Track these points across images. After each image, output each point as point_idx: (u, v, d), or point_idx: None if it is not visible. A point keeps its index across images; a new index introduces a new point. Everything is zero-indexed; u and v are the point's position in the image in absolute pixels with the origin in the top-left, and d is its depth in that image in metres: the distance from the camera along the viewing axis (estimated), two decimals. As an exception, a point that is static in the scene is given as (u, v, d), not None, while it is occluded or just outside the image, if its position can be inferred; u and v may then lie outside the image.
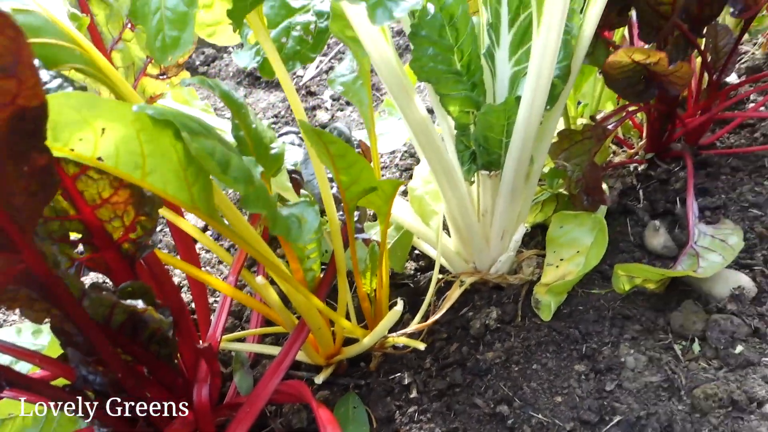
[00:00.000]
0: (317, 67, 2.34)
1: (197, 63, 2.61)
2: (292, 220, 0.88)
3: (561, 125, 1.58)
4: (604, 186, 1.45)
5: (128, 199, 0.83)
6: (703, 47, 1.46)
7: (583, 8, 1.13)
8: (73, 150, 0.64)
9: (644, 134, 1.61)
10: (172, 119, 0.73)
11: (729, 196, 1.44)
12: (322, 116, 2.14)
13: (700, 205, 1.43)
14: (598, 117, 1.56)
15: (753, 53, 1.99)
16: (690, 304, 1.21)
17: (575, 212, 1.32)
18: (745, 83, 1.76)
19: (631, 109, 1.50)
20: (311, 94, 2.25)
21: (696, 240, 1.28)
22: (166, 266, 1.03)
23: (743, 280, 1.24)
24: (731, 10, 1.36)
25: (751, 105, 1.78)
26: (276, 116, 2.20)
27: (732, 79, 1.88)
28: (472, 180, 1.21)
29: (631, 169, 1.61)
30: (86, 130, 0.63)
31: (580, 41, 1.12)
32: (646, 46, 1.38)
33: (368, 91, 1.08)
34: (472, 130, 1.15)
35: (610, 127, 1.35)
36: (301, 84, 2.31)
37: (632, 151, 1.64)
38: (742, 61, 1.98)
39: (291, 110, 2.25)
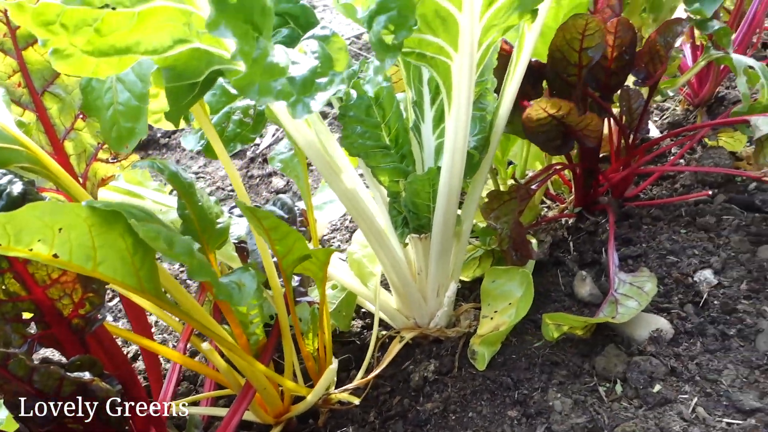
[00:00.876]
0: (273, 135, 2.46)
1: (158, 135, 2.72)
2: (232, 286, 0.97)
3: (494, 185, 1.71)
4: (534, 240, 1.57)
5: (76, 278, 0.91)
6: (619, 110, 1.61)
7: (498, 88, 1.26)
8: (31, 250, 0.73)
9: (573, 190, 1.74)
10: (119, 210, 0.83)
11: (649, 244, 1.56)
12: (278, 182, 2.24)
13: (623, 255, 1.55)
14: (528, 176, 1.69)
15: (674, 109, 2.16)
16: (612, 348, 1.31)
17: (506, 267, 1.43)
18: (667, 137, 1.92)
19: (557, 167, 1.63)
20: (267, 161, 2.36)
21: (616, 288, 1.39)
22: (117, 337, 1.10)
23: (661, 323, 1.35)
24: (635, 79, 1.51)
25: (672, 157, 1.93)
26: (221, 189, 2.31)
27: (655, 133, 2.04)
28: (406, 242, 1.31)
29: (563, 222, 1.73)
30: (46, 233, 0.73)
31: (497, 116, 1.25)
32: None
33: (304, 167, 1.19)
34: (403, 197, 1.26)
35: (534, 187, 1.47)
36: (258, 152, 2.43)
37: (563, 205, 1.77)
38: (665, 117, 2.15)
39: (250, 179, 2.36)
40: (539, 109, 1.27)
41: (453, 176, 1.13)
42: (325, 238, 1.88)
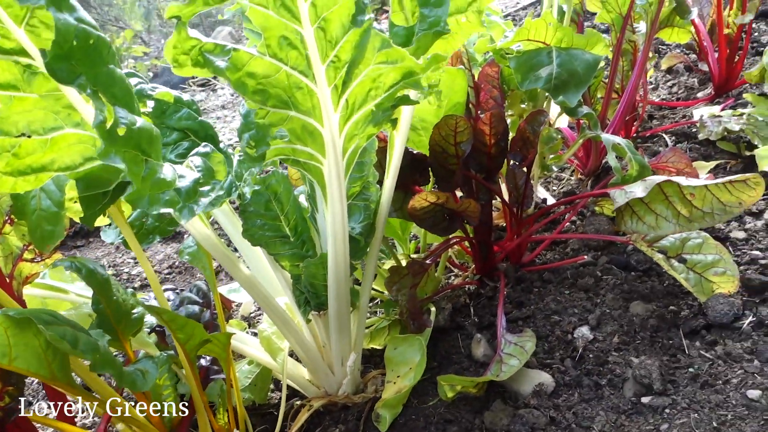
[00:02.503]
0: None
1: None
2: (137, 374, 1.11)
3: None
4: (433, 309, 1.73)
5: (-6, 374, 1.04)
6: (506, 187, 1.81)
7: (380, 180, 1.46)
8: None
9: (473, 259, 1.93)
10: (29, 316, 0.97)
11: (538, 306, 1.74)
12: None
13: (514, 317, 1.72)
14: (429, 249, 1.87)
15: (569, 179, 2.40)
16: (500, 403, 1.46)
17: (405, 335, 1.58)
18: (561, 204, 2.14)
19: (453, 241, 1.82)
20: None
21: (503, 348, 1.55)
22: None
23: (544, 377, 1.51)
24: (512, 162, 1.73)
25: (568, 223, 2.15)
26: (170, 267, 2.44)
27: (551, 201, 2.26)
28: (309, 319, 1.46)
29: (466, 289, 1.90)
30: None
31: (380, 205, 1.44)
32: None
33: (209, 259, 1.35)
34: (302, 279, 1.42)
35: (428, 261, 1.65)
36: (194, 234, 2.57)
37: (466, 273, 1.95)
38: (561, 186, 2.38)
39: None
40: (421, 200, 1.46)
41: (338, 261, 1.29)
42: (252, 315, 2.01)
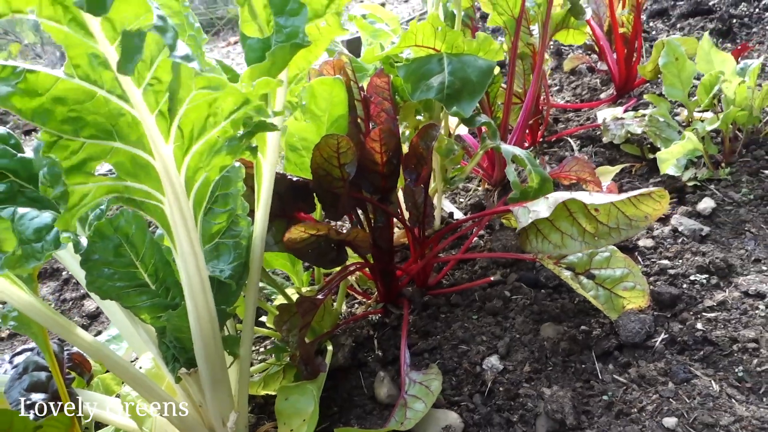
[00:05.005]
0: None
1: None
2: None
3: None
4: (330, 348, 1.56)
5: None
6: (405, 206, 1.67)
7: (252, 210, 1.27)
8: None
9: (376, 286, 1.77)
10: None
11: (444, 335, 1.60)
12: (90, 306, 2.13)
13: (419, 349, 1.57)
14: (327, 279, 1.70)
15: (476, 189, 2.29)
16: (404, 452, 1.31)
17: (297, 383, 1.40)
18: (466, 220, 2.02)
19: (351, 269, 1.65)
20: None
21: (407, 389, 1.40)
22: None
23: (451, 418, 1.37)
24: (407, 179, 1.58)
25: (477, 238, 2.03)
26: (60, 301, 2.16)
27: (459, 215, 2.14)
28: (179, 377, 1.26)
29: (370, 319, 1.74)
30: None
31: (254, 239, 1.25)
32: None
33: (40, 329, 1.12)
34: (167, 333, 1.22)
35: (320, 297, 1.47)
36: (71, 272, 2.30)
37: (369, 301, 1.79)
38: (469, 198, 2.26)
39: (63, 303, 2.22)
40: (299, 231, 1.29)
41: (199, 312, 1.10)
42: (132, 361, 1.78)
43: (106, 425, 1.39)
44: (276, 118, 1.00)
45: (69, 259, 1.35)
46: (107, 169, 1.94)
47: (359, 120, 1.62)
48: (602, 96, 2.81)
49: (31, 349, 1.43)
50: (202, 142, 0.93)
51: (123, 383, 1.61)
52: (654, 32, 3.35)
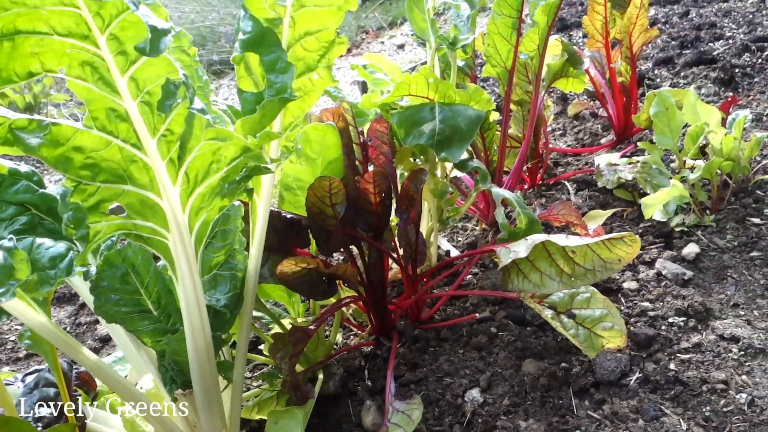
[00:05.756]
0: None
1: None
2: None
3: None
4: (320, 376, 1.65)
5: None
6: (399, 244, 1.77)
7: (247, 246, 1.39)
8: None
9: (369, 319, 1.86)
10: None
11: (431, 367, 1.69)
12: (102, 330, 2.25)
13: (406, 380, 1.66)
14: (322, 311, 1.80)
15: (473, 229, 2.39)
16: (384, 478, 1.39)
17: (287, 408, 1.49)
18: (458, 258, 2.11)
19: (345, 301, 1.75)
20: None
21: (390, 417, 1.48)
22: None
23: (431, 447, 1.45)
24: (399, 219, 1.69)
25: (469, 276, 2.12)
26: (76, 324, 2.29)
27: (455, 253, 2.23)
28: (176, 398, 1.36)
29: (363, 350, 1.84)
30: None
31: (248, 272, 1.37)
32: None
33: (50, 347, 1.23)
34: (166, 356, 1.33)
35: (312, 327, 1.57)
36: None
37: (363, 333, 1.88)
38: (467, 237, 2.36)
39: (77, 326, 2.35)
40: (291, 264, 1.40)
41: (196, 337, 1.21)
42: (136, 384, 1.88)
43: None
44: (269, 163, 1.11)
45: (82, 286, 1.47)
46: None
47: (357, 162, 1.74)
48: (602, 141, 2.90)
49: (42, 370, 1.55)
50: (205, 186, 1.05)
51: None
52: (659, 80, 3.45)
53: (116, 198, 1.04)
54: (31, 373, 1.52)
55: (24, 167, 1.20)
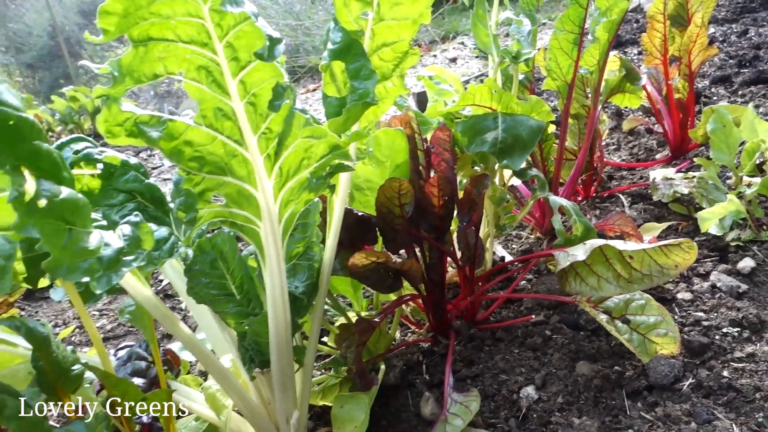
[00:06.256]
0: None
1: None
2: (67, 434, 1.12)
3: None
4: (382, 367, 1.75)
5: None
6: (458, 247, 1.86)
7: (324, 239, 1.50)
8: None
9: (427, 317, 1.96)
10: None
11: (487, 364, 1.76)
12: (174, 317, 2.40)
13: (463, 375, 1.74)
14: (384, 307, 1.90)
15: (528, 237, 2.46)
16: (442, 463, 1.47)
17: (352, 393, 1.60)
18: (514, 262, 2.19)
19: (406, 298, 1.85)
20: (168, 296, 2.53)
21: (449, 407, 1.57)
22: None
23: (487, 437, 1.53)
24: (460, 222, 1.78)
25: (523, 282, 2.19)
26: (122, 325, 2.45)
27: (509, 259, 2.31)
28: (254, 376, 1.48)
29: (420, 346, 1.93)
30: None
31: (323, 264, 1.48)
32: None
33: (149, 319, 1.37)
34: (247, 337, 1.45)
35: (376, 320, 1.67)
36: (159, 288, 2.59)
37: (421, 330, 1.97)
38: (521, 245, 2.43)
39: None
40: (362, 258, 1.50)
41: (278, 319, 1.32)
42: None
43: (188, 414, 1.62)
44: (351, 161, 1.22)
45: (171, 272, 1.61)
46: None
47: (421, 167, 1.84)
48: (657, 157, 2.93)
49: (132, 346, 1.69)
50: (295, 180, 1.17)
51: (203, 382, 1.85)
52: (715, 98, 3.46)
53: (218, 188, 1.17)
54: (121, 349, 1.66)
55: (133, 159, 1.34)
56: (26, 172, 0.86)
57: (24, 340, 1.56)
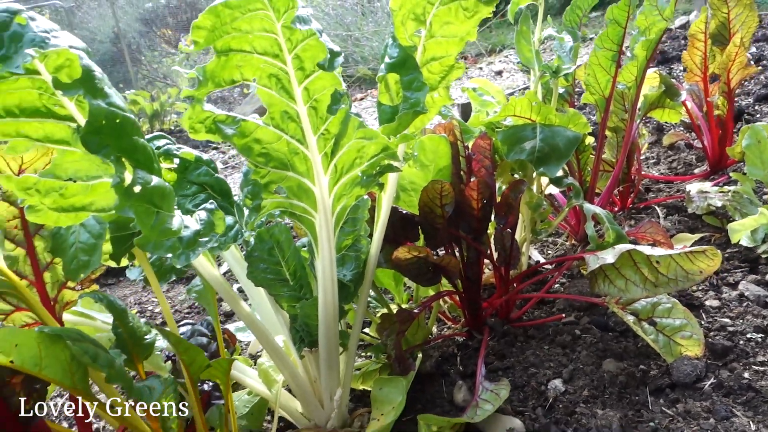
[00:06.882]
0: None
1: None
2: (144, 389, 1.29)
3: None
4: (420, 355, 1.88)
5: (22, 381, 1.23)
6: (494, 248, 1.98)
7: (371, 233, 1.65)
8: None
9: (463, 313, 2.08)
10: (60, 333, 1.17)
11: (518, 358, 1.88)
12: (225, 306, 2.58)
13: (495, 367, 1.86)
14: (421, 300, 2.03)
15: (564, 243, 2.56)
16: (472, 445, 1.59)
17: (390, 377, 1.73)
18: (547, 264, 2.29)
19: (443, 293, 1.98)
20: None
21: (480, 394, 1.69)
22: None
23: (516, 423, 1.64)
24: (498, 224, 1.90)
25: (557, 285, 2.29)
26: (190, 307, 2.65)
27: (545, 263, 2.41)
28: (303, 355, 1.63)
29: (455, 340, 2.05)
30: (5, 347, 1.06)
31: (369, 256, 1.62)
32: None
33: (213, 298, 1.54)
34: (298, 319, 1.60)
35: (416, 311, 1.81)
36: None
37: (456, 326, 2.10)
38: (557, 250, 2.53)
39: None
40: (405, 252, 1.65)
41: (327, 303, 1.48)
42: (258, 354, 2.18)
43: (241, 389, 1.78)
44: (398, 162, 1.37)
45: (230, 259, 1.78)
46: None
47: (462, 172, 1.97)
48: (696, 171, 2.99)
49: (194, 324, 1.86)
50: (348, 177, 1.32)
51: (253, 364, 2.02)
52: (758, 115, 3.48)
53: (280, 181, 1.33)
54: (182, 326, 1.84)
55: (205, 156, 1.51)
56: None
57: (100, 315, 1.75)
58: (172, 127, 7.51)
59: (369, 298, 2.04)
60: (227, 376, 1.44)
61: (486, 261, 2.06)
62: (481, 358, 1.80)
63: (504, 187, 2.17)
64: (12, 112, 1.13)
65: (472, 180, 1.88)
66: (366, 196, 1.61)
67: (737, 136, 2.86)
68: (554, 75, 2.12)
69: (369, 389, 1.88)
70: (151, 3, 14.38)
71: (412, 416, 1.75)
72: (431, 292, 2.07)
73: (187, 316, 2.63)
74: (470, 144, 2.04)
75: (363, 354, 2.09)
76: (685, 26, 5.66)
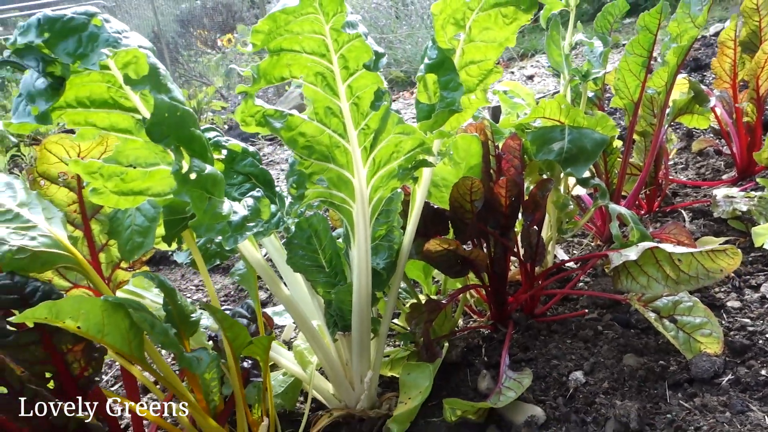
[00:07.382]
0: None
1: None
2: (193, 359, 1.40)
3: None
4: (446, 344, 1.97)
5: (84, 349, 1.35)
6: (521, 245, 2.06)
7: (404, 225, 1.74)
8: (64, 323, 1.18)
9: (489, 306, 2.16)
10: (122, 302, 1.29)
11: (541, 351, 1.95)
12: (262, 294, 2.70)
13: (519, 358, 1.94)
14: (449, 292, 2.12)
15: (589, 243, 2.62)
16: (494, 429, 1.67)
17: (418, 363, 1.82)
18: (572, 261, 2.36)
19: (470, 286, 2.06)
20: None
21: (503, 382, 1.77)
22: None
23: (537, 411, 1.71)
24: (525, 221, 1.98)
25: (580, 283, 2.36)
26: (226, 296, 2.77)
27: (570, 263, 2.48)
28: (336, 338, 1.73)
29: (480, 332, 2.13)
30: (74, 313, 1.18)
31: (402, 247, 1.72)
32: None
33: (254, 281, 1.64)
34: (333, 304, 1.70)
35: (443, 301, 1.90)
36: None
37: (482, 319, 2.18)
38: (582, 250, 2.60)
39: (239, 291, 2.82)
40: (436, 244, 1.73)
41: (361, 289, 1.57)
42: (292, 339, 2.29)
43: (276, 370, 1.89)
44: (433, 158, 1.46)
45: (270, 246, 1.88)
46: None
47: (492, 171, 2.05)
48: (724, 177, 3.02)
49: (234, 308, 1.97)
50: (385, 170, 1.41)
51: (289, 346, 2.12)
52: (790, 123, 3.49)
53: (322, 172, 1.43)
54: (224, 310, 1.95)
55: (251, 148, 1.62)
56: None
57: (149, 294, 1.88)
58: (209, 125, 7.70)
59: (399, 290, 2.13)
60: (267, 353, 1.55)
61: (512, 258, 2.14)
62: (506, 349, 1.88)
63: (532, 187, 2.25)
64: (83, 102, 1.25)
65: (501, 178, 1.95)
66: (399, 190, 1.70)
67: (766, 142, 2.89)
68: (583, 79, 2.19)
69: (397, 376, 1.97)
70: (187, 4, 14.71)
71: (437, 402, 1.84)
72: (458, 285, 2.15)
73: (223, 304, 2.75)
74: (500, 144, 2.12)
75: (392, 343, 2.18)
76: (719, 34, 5.63)
